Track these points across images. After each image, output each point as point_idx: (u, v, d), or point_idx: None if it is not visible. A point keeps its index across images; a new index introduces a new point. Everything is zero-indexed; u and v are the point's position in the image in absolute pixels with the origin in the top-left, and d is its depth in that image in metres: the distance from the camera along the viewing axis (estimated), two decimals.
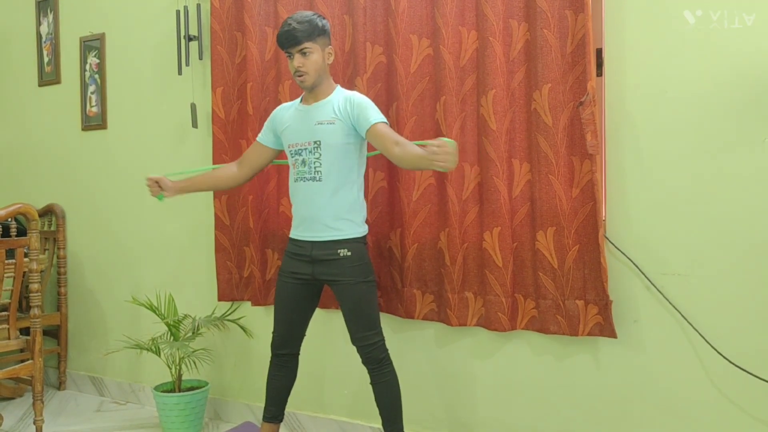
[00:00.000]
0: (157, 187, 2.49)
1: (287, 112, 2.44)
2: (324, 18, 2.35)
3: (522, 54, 2.34)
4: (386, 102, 2.60)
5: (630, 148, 2.26)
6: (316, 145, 2.30)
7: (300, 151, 2.34)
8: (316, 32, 2.28)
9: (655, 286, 2.22)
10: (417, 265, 2.57)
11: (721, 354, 2.12)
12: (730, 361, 2.11)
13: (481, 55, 2.38)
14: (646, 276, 2.24)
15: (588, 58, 2.19)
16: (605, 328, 2.25)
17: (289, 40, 2.27)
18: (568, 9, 2.24)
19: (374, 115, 2.25)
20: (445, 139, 1.98)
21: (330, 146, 2.29)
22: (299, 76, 2.30)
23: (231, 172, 2.55)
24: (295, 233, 2.41)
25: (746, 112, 2.09)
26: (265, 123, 2.52)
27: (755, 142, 2.08)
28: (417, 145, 2.19)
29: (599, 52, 2.30)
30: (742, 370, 2.10)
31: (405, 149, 2.14)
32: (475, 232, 2.44)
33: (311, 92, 2.36)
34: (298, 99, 2.45)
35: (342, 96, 2.33)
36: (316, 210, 2.31)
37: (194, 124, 3.13)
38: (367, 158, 2.46)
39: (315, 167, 2.30)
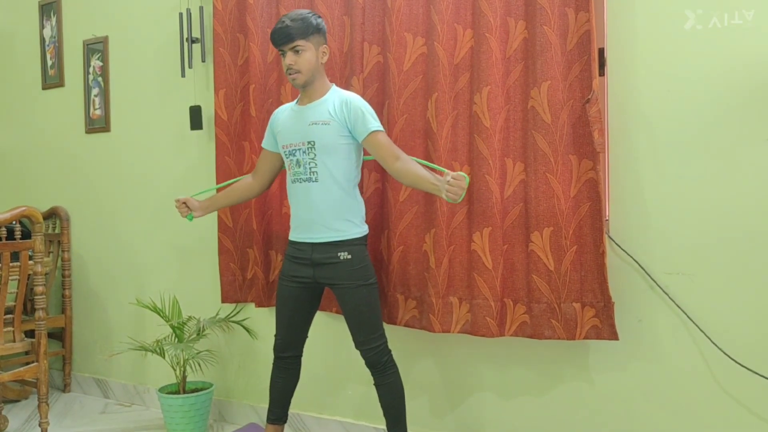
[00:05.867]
0: (186, 208, 2.56)
1: (283, 114, 2.44)
2: (320, 17, 2.34)
3: (519, 51, 2.33)
4: (380, 101, 2.59)
5: (633, 146, 2.25)
6: (310, 146, 2.29)
7: (294, 152, 2.34)
8: (309, 30, 2.27)
9: (659, 286, 2.22)
10: (401, 268, 2.55)
11: (725, 353, 2.12)
12: (735, 360, 2.11)
13: (476, 53, 2.37)
14: (649, 275, 2.23)
15: (592, 56, 2.19)
16: (603, 331, 2.22)
17: (282, 37, 2.27)
18: (569, 7, 2.23)
19: (372, 122, 2.25)
20: (462, 173, 2.03)
21: (325, 146, 2.28)
22: (291, 74, 2.30)
23: (247, 183, 2.58)
24: (294, 235, 2.40)
25: (751, 110, 2.09)
26: (266, 128, 2.53)
27: (759, 141, 2.07)
28: (423, 165, 2.23)
29: (601, 52, 2.29)
30: (748, 369, 2.09)
31: (406, 166, 2.21)
32: (463, 234, 2.41)
33: (305, 92, 2.35)
34: (295, 101, 2.45)
35: (338, 97, 2.32)
36: (314, 211, 2.30)
37: (192, 126, 3.12)
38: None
39: (310, 168, 2.30)
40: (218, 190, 2.78)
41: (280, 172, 2.60)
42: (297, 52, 2.27)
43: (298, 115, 2.36)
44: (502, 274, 2.36)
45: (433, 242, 2.44)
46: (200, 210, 2.59)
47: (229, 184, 2.70)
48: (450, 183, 2.02)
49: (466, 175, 2.03)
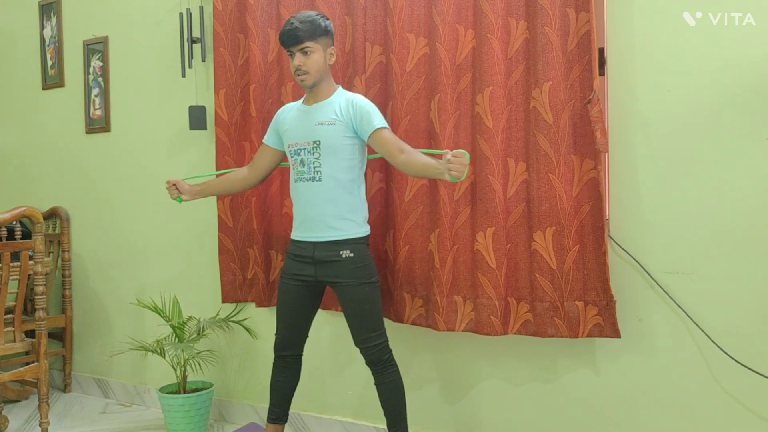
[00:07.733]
0: (176, 190, 2.57)
1: (289, 113, 2.46)
2: (327, 19, 2.36)
3: (521, 52, 2.34)
4: (383, 102, 2.60)
5: (633, 146, 2.26)
6: (315, 145, 2.31)
7: (299, 151, 2.35)
8: (318, 32, 2.29)
9: (659, 285, 2.22)
10: (407, 267, 2.56)
11: (725, 352, 2.12)
12: (734, 358, 2.11)
13: (478, 53, 2.37)
14: (649, 274, 2.24)
15: (592, 56, 2.20)
16: (605, 329, 2.23)
17: (291, 38, 2.29)
18: (570, 7, 2.24)
19: (377, 120, 2.27)
20: (462, 150, 2.03)
21: (330, 146, 2.30)
22: (299, 75, 2.32)
23: (243, 175, 2.60)
24: (296, 234, 2.41)
25: (750, 109, 2.09)
26: (270, 124, 2.54)
27: (759, 140, 2.08)
28: (426, 153, 2.23)
29: (601, 52, 2.30)
30: (748, 368, 2.10)
31: (411, 157, 2.20)
32: (467, 234, 2.42)
33: (312, 92, 2.37)
34: (301, 100, 2.47)
35: (344, 98, 2.34)
36: (317, 210, 2.32)
37: (192, 126, 3.12)
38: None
39: (314, 167, 2.31)
40: (217, 176, 2.77)
41: (275, 169, 2.62)
42: (305, 53, 2.29)
43: (305, 115, 2.38)
44: (506, 273, 2.37)
45: (437, 242, 2.45)
46: (190, 194, 2.59)
47: (224, 173, 2.72)
48: (450, 161, 2.02)
49: (465, 152, 2.03)
